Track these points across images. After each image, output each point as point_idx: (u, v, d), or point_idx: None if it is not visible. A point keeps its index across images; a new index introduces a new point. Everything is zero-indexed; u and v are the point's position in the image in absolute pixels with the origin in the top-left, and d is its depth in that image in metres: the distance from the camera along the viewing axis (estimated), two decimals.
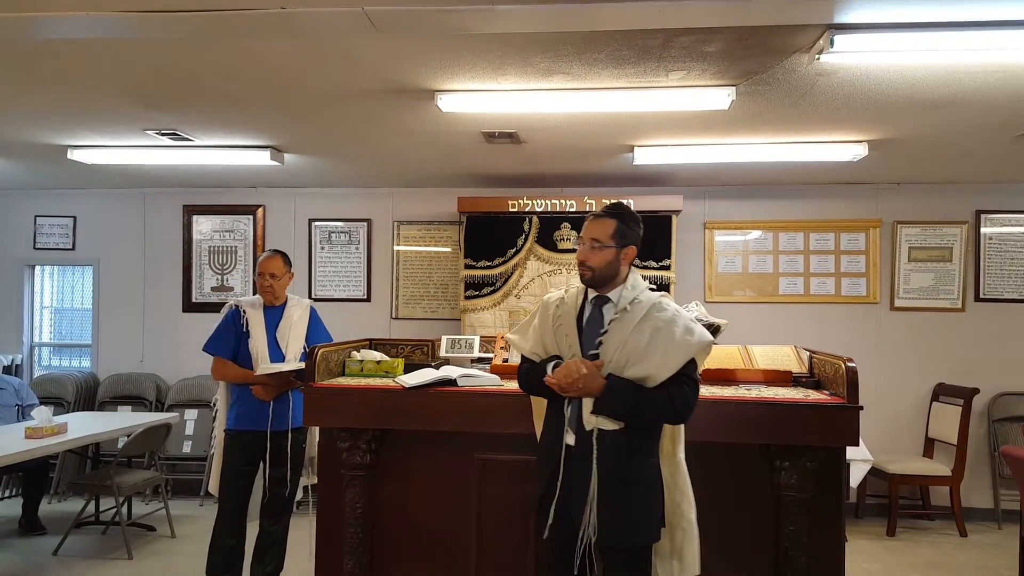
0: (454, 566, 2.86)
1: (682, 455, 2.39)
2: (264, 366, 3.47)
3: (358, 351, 3.30)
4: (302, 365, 3.45)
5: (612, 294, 2.32)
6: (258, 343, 3.53)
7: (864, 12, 2.42)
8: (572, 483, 2.24)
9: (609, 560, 2.26)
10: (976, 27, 2.50)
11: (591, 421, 2.22)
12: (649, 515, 2.25)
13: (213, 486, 3.63)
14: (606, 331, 2.26)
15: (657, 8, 2.35)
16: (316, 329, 3.74)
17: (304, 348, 3.63)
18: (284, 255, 3.71)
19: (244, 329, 3.56)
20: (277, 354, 3.56)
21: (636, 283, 2.34)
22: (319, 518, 2.97)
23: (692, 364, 2.24)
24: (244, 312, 3.59)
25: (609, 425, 2.21)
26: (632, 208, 2.45)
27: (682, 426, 2.38)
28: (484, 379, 2.82)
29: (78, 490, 5.02)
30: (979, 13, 2.43)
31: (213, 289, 6.06)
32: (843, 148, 4.32)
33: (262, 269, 3.62)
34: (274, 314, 3.64)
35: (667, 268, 5.18)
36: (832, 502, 2.69)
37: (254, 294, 3.74)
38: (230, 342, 3.56)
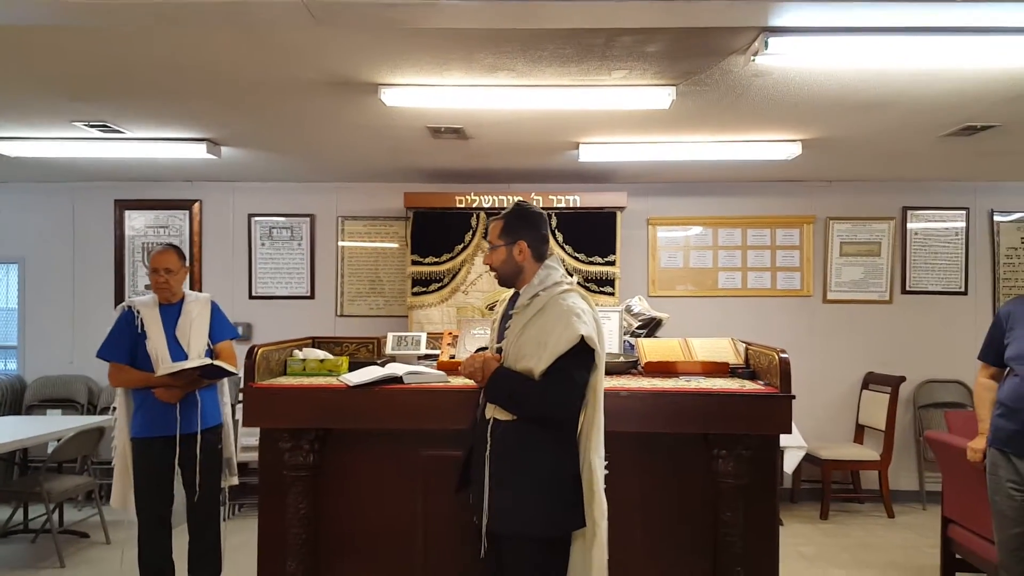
0: (400, 563, 2.85)
1: (595, 459, 2.27)
2: (167, 365, 3.34)
3: (300, 350, 3.25)
4: (207, 361, 3.37)
5: (522, 290, 2.40)
6: (156, 343, 3.38)
7: (797, 15, 2.50)
8: (476, 470, 2.35)
9: (505, 547, 2.29)
10: (904, 32, 2.61)
11: (489, 410, 2.33)
12: (541, 507, 2.24)
13: (117, 500, 3.45)
14: (507, 326, 2.37)
15: (599, 7, 2.39)
16: (220, 324, 3.62)
17: (208, 345, 3.53)
18: (178, 249, 3.59)
19: (140, 330, 3.40)
20: (179, 353, 3.42)
21: (544, 279, 2.36)
22: (261, 520, 2.92)
23: (572, 360, 2.20)
24: (138, 312, 3.44)
25: (503, 415, 2.29)
26: (526, 207, 2.47)
27: (598, 428, 2.29)
28: (430, 376, 2.81)
29: (4, 497, 4.80)
30: (906, 18, 2.54)
31: (147, 287, 5.80)
32: (778, 147, 4.46)
33: (155, 265, 3.47)
34: (171, 312, 3.49)
35: (612, 264, 5.26)
36: (767, 488, 2.78)
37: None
38: (125, 345, 3.40)
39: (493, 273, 2.49)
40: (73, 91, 3.53)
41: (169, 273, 3.47)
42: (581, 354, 2.22)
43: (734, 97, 3.51)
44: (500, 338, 2.42)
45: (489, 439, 2.30)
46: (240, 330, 5.40)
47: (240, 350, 3.52)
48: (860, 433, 5.60)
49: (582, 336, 2.19)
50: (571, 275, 2.49)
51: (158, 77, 3.32)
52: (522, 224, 2.41)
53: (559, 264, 2.45)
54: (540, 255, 2.41)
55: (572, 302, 2.29)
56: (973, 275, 5.73)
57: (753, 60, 2.80)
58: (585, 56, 2.98)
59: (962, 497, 3.59)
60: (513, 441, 2.27)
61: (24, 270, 5.95)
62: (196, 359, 3.42)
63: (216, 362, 3.38)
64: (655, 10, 2.42)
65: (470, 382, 2.53)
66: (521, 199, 2.58)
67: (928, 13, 2.48)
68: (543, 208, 5.21)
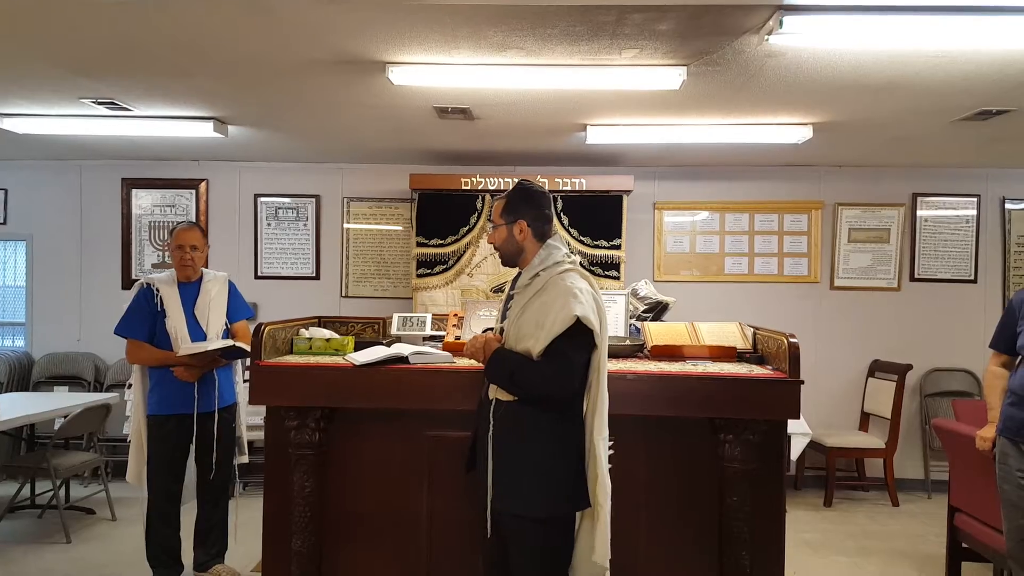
0: (405, 542, 2.85)
1: (599, 440, 2.26)
2: (187, 346, 3.33)
3: (307, 329, 3.24)
4: (229, 342, 3.36)
5: (523, 271, 2.39)
6: (176, 322, 3.38)
7: None
8: (480, 451, 2.35)
9: (507, 528, 2.29)
10: (919, 12, 2.57)
11: (492, 391, 2.33)
12: (541, 488, 2.24)
13: (133, 476, 3.46)
14: (509, 307, 2.37)
15: None
16: (237, 303, 3.62)
17: (226, 324, 3.52)
18: (201, 227, 3.59)
19: (159, 308, 3.40)
20: (198, 332, 3.42)
21: (545, 259, 2.34)
22: (266, 498, 2.92)
23: (568, 341, 2.17)
24: (157, 290, 3.42)
25: (505, 396, 2.29)
26: (528, 185, 2.44)
27: (601, 409, 2.27)
28: (436, 356, 2.80)
29: (12, 473, 4.85)
30: None
31: (154, 266, 5.87)
32: (789, 130, 4.42)
33: (181, 241, 3.44)
34: (190, 290, 3.49)
35: (618, 248, 5.23)
36: (774, 473, 2.76)
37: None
38: (145, 323, 3.38)
39: (496, 251, 2.47)
40: (81, 67, 3.51)
41: (194, 250, 3.46)
42: (578, 335, 2.19)
43: (746, 78, 3.47)
44: (504, 319, 2.41)
45: (492, 420, 2.30)
46: None
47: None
48: (865, 421, 5.58)
49: (577, 316, 2.16)
50: (573, 254, 2.45)
51: (165, 54, 3.29)
52: (523, 203, 2.38)
53: (562, 243, 2.42)
54: (542, 235, 2.38)
55: (571, 282, 2.26)
56: (983, 263, 5.68)
57: (767, 39, 2.76)
58: (595, 34, 2.94)
59: (970, 486, 3.56)
60: (514, 422, 2.27)
61: (32, 247, 5.96)
62: (215, 338, 3.41)
63: (239, 344, 3.38)
64: None
65: (476, 363, 2.52)
66: (524, 178, 2.53)
67: None
68: (549, 191, 5.19)
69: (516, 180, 5.09)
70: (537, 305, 2.26)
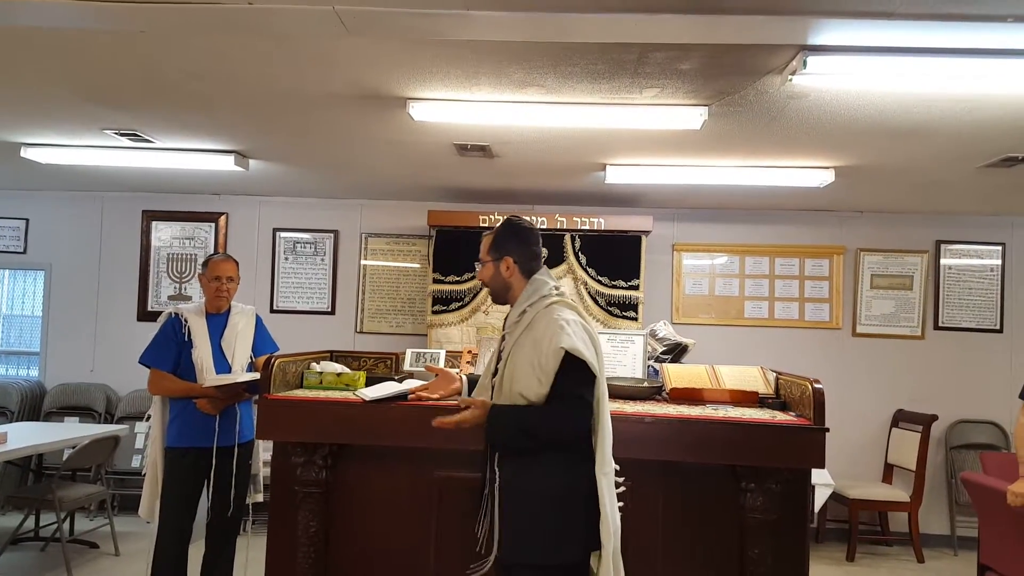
0: None
1: (601, 476, 2.14)
2: (213, 377, 3.28)
3: (318, 363, 3.19)
4: (256, 375, 3.31)
5: (512, 308, 2.30)
6: (202, 353, 3.32)
7: (838, 34, 2.44)
8: (486, 498, 2.25)
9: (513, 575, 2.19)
10: (946, 54, 2.53)
11: None
12: (546, 533, 2.12)
13: (145, 510, 3.36)
14: (502, 347, 2.28)
15: (633, 21, 2.34)
16: (263, 337, 3.58)
17: (251, 358, 3.48)
18: (235, 259, 3.58)
19: (186, 338, 3.35)
20: (223, 364, 3.37)
21: (531, 294, 2.26)
22: (270, 537, 2.84)
23: (570, 378, 2.10)
24: (186, 321, 3.39)
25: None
26: (515, 222, 2.36)
27: (602, 444, 2.16)
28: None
29: (17, 504, 4.78)
30: (950, 40, 2.45)
31: (170, 298, 5.88)
32: (811, 174, 4.37)
33: (220, 272, 3.41)
34: (218, 322, 3.45)
35: (636, 288, 5.17)
36: (797, 525, 2.67)
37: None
38: (171, 353, 3.33)
39: (485, 288, 2.41)
40: (103, 97, 3.55)
41: (231, 281, 3.45)
42: (575, 369, 2.10)
43: (768, 119, 3.44)
44: (499, 359, 2.30)
45: (496, 467, 2.20)
46: None
47: None
48: (889, 472, 5.41)
49: (564, 349, 2.07)
50: (558, 289, 2.33)
51: (189, 86, 3.32)
52: (510, 240, 2.31)
53: (549, 277, 2.32)
54: (529, 271, 2.30)
55: (557, 314, 2.17)
56: (1009, 313, 5.55)
57: (790, 80, 2.73)
58: (616, 73, 2.93)
59: (1001, 543, 3.42)
60: (517, 466, 2.17)
61: (50, 277, 5.99)
62: (240, 371, 3.37)
63: None
64: (691, 25, 2.37)
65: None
66: (512, 215, 2.46)
67: (974, 34, 2.40)
68: (567, 230, 5.22)
69: (534, 218, 5.11)
70: (529, 343, 2.16)
